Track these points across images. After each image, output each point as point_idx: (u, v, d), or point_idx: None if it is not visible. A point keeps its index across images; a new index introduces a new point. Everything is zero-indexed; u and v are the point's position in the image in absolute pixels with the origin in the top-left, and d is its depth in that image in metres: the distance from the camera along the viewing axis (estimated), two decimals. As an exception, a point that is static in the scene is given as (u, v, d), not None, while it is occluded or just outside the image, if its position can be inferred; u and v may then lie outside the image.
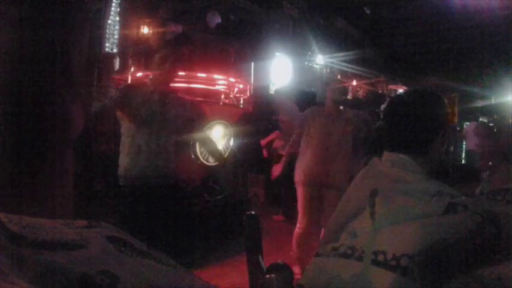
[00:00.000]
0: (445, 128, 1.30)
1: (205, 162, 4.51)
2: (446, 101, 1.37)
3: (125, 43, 5.52)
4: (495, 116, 11.26)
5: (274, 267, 1.00)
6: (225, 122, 4.96)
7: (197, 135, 3.02)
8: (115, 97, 2.79)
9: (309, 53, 8.91)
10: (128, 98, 2.69)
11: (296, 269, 3.16)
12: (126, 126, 2.71)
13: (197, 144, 4.34)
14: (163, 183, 2.67)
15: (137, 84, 2.94)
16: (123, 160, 2.69)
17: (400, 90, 13.03)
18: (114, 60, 5.30)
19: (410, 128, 1.29)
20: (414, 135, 1.28)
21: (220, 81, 5.62)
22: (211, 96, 5.37)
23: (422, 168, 1.25)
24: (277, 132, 5.68)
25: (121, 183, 2.69)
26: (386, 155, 1.31)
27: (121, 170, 2.68)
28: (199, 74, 5.17)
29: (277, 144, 5.58)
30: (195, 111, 2.98)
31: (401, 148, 1.28)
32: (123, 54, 5.56)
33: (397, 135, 1.32)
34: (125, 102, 2.68)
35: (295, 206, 3.79)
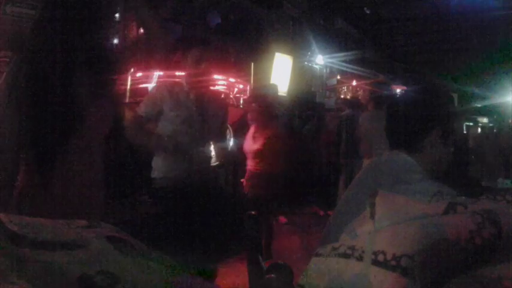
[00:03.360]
0: (445, 126, 1.30)
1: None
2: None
3: (125, 43, 5.52)
4: (495, 116, 11.26)
5: (274, 267, 1.00)
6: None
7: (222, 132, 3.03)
8: (149, 97, 2.74)
9: (309, 53, 8.91)
10: (163, 98, 2.66)
11: None
12: (164, 128, 2.65)
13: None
14: (202, 184, 2.64)
15: (171, 84, 2.88)
16: (163, 162, 2.64)
17: (400, 90, 13.03)
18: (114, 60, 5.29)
19: (402, 125, 1.32)
20: (406, 132, 1.31)
21: (220, 81, 5.62)
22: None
23: (422, 168, 1.25)
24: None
25: (158, 185, 2.65)
26: (386, 154, 1.33)
27: (159, 172, 2.65)
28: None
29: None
30: (225, 107, 3.00)
31: (396, 145, 1.31)
32: (123, 54, 5.56)
33: (392, 132, 1.35)
34: (159, 102, 2.65)
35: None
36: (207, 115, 2.74)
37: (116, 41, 4.52)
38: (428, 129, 1.29)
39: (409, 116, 1.32)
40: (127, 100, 5.20)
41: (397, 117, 1.36)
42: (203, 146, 2.73)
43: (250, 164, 4.41)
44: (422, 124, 1.30)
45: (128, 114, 2.74)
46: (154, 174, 2.68)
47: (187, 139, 2.63)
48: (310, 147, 6.79)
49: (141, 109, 2.69)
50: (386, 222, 1.03)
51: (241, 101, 6.22)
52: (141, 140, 2.69)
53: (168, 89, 2.76)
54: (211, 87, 2.95)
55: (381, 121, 3.75)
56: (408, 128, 1.32)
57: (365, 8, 9.27)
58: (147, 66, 5.51)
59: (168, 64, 5.19)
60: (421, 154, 1.28)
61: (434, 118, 1.30)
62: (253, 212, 1.35)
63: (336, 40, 9.51)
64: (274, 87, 6.08)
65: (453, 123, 1.33)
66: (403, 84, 12.51)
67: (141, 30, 5.56)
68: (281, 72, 7.47)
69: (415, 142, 1.29)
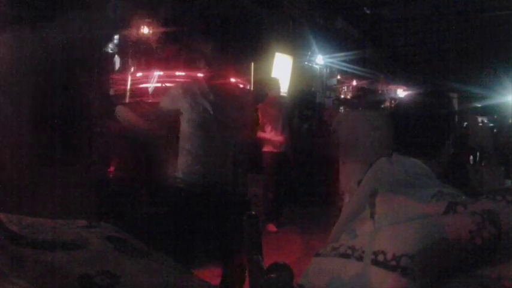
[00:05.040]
0: (455, 130, 1.32)
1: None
2: None
3: (125, 43, 5.52)
4: (495, 116, 11.26)
5: (274, 267, 1.00)
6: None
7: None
8: (165, 99, 2.64)
9: (309, 53, 8.92)
10: (178, 98, 2.55)
11: None
12: (183, 130, 2.56)
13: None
14: (222, 188, 2.55)
15: (189, 83, 2.77)
16: (182, 164, 2.57)
17: (400, 90, 13.05)
18: (114, 60, 5.30)
19: (425, 132, 1.31)
20: (423, 140, 1.30)
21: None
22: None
23: (433, 171, 1.25)
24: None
25: (179, 186, 2.57)
26: (396, 158, 1.31)
27: (179, 174, 2.57)
28: (199, 74, 5.17)
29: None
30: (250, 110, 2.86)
31: (412, 151, 1.28)
32: (123, 54, 5.57)
33: (410, 139, 1.33)
34: (174, 100, 2.55)
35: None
36: (227, 118, 2.57)
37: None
38: (446, 137, 1.30)
39: (428, 124, 1.31)
40: (127, 100, 5.20)
41: (413, 125, 1.34)
42: (222, 151, 2.58)
43: None
44: (441, 133, 1.31)
45: (128, 114, 2.72)
46: (177, 172, 2.60)
47: (204, 143, 2.52)
48: (310, 147, 6.80)
49: (161, 104, 2.65)
50: (386, 222, 1.03)
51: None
52: (159, 132, 2.64)
53: (184, 88, 2.65)
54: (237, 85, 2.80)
55: (374, 122, 3.73)
56: (426, 136, 1.31)
57: (365, 8, 9.27)
58: (148, 67, 5.51)
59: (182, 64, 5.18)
60: (434, 160, 1.28)
61: (450, 126, 1.31)
62: (253, 212, 1.35)
63: (336, 40, 9.50)
64: (276, 81, 5.97)
65: (460, 127, 1.35)
66: (403, 85, 12.52)
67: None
68: (281, 72, 7.47)
69: (431, 150, 1.29)
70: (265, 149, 5.48)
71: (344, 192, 3.79)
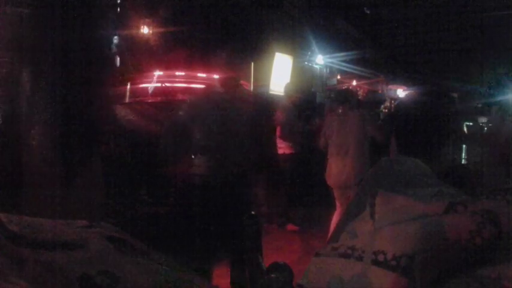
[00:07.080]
0: (457, 131, 1.32)
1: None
2: None
3: (124, 43, 5.53)
4: (495, 116, 11.25)
5: (274, 267, 1.00)
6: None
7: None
8: (187, 107, 2.86)
9: (309, 53, 8.92)
10: (200, 106, 2.76)
11: None
12: (201, 131, 2.73)
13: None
14: (235, 183, 2.73)
15: (207, 91, 3.06)
16: (199, 161, 2.73)
17: (400, 90, 13.06)
18: (114, 60, 5.30)
19: (425, 132, 1.31)
20: (428, 139, 1.30)
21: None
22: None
23: (433, 171, 1.25)
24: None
25: (196, 183, 2.74)
26: (397, 158, 1.31)
27: (196, 171, 2.73)
28: (199, 74, 5.18)
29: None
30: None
31: (412, 151, 1.28)
32: (123, 54, 5.57)
33: (410, 139, 1.33)
34: (198, 111, 2.74)
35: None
36: (240, 115, 2.79)
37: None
38: (446, 137, 1.30)
39: (428, 124, 1.31)
40: (127, 100, 5.21)
41: (413, 125, 1.35)
42: (240, 149, 2.77)
43: None
44: (441, 133, 1.31)
45: (131, 115, 2.80)
46: (194, 170, 2.75)
47: (219, 141, 2.69)
48: (311, 147, 6.78)
49: (178, 118, 2.85)
50: (386, 222, 1.03)
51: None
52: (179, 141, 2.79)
53: (197, 100, 2.89)
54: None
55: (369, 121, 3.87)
56: (426, 136, 1.31)
57: (365, 8, 9.27)
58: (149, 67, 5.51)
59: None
60: (434, 160, 1.28)
61: (451, 126, 1.31)
62: (253, 212, 1.35)
63: (336, 40, 9.50)
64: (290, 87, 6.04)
65: (461, 126, 1.35)
66: (403, 85, 12.52)
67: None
68: (281, 72, 7.46)
69: (431, 149, 1.29)
70: (280, 151, 5.51)
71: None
